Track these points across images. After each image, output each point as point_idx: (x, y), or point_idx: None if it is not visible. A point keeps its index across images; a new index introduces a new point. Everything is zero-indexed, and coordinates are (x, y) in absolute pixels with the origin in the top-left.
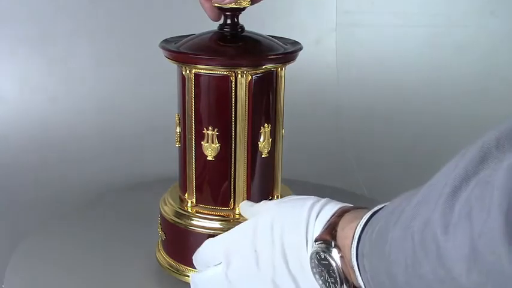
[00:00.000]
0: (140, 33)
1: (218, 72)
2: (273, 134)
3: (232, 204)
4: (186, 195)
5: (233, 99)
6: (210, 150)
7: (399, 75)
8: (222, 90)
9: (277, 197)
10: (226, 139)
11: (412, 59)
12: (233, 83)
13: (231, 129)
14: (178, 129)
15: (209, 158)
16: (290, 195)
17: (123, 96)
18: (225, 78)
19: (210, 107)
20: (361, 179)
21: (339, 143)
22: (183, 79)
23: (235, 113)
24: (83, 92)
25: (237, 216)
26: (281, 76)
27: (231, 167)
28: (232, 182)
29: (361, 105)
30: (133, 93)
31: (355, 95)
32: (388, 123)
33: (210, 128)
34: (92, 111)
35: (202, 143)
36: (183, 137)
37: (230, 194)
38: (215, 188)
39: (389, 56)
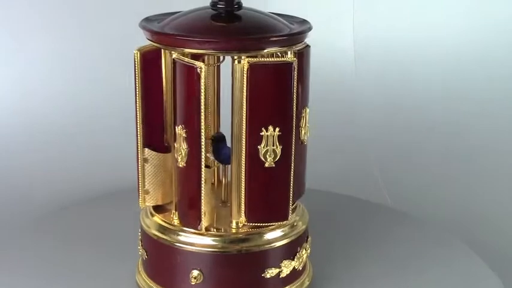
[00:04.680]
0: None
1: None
2: (283, 139)
3: None
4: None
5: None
6: (181, 154)
7: (424, 60)
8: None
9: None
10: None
11: (441, 42)
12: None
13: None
14: None
15: (180, 164)
16: (304, 216)
17: (120, 95)
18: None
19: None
20: (383, 184)
21: (357, 144)
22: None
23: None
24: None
25: (233, 231)
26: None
27: (200, 175)
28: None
29: (381, 99)
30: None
31: (374, 86)
32: (412, 121)
33: (181, 126)
34: (77, 114)
35: (175, 144)
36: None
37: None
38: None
39: (411, 37)
